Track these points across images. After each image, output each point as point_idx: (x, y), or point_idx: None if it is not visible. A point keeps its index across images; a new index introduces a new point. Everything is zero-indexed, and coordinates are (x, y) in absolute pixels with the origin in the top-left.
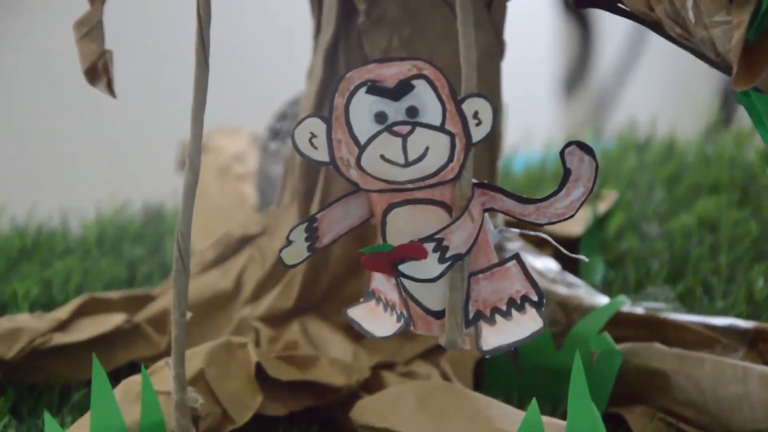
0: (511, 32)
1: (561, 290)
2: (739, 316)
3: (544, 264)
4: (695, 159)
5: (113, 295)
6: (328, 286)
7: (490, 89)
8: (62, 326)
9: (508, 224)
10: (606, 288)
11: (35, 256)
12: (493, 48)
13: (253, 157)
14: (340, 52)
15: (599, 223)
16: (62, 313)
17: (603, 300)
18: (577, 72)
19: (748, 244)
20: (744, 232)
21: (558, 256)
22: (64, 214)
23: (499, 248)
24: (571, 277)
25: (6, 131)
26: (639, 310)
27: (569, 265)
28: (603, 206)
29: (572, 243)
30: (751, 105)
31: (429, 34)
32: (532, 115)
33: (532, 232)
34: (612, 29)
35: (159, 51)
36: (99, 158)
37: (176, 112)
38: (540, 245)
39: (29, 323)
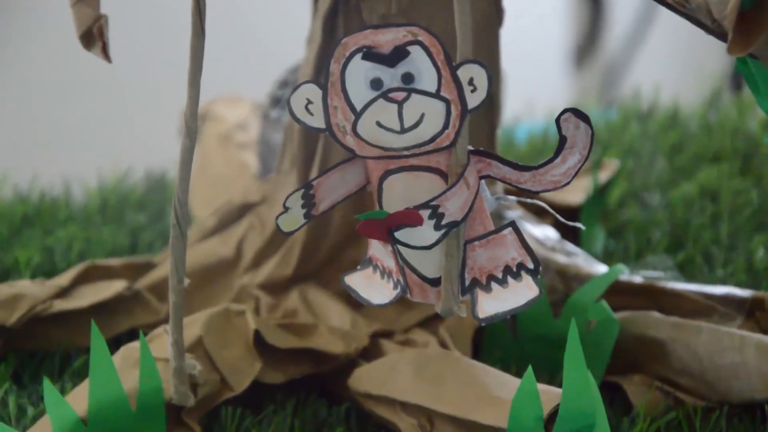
0: (522, 3)
1: (560, 259)
2: (738, 285)
3: (543, 232)
4: (698, 128)
5: (114, 262)
6: (328, 254)
7: (489, 57)
8: (63, 293)
9: (508, 193)
10: (606, 257)
11: (37, 224)
12: (491, 15)
13: (255, 125)
14: (339, 19)
15: (600, 192)
16: (63, 279)
17: (601, 268)
18: (587, 42)
19: (749, 214)
20: (745, 202)
21: (558, 225)
22: (66, 181)
23: (499, 216)
24: (570, 246)
25: (9, 99)
26: (637, 278)
27: (569, 234)
28: (604, 175)
29: (573, 212)
30: (749, 73)
31: (428, 1)
32: (541, 85)
33: (529, 200)
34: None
35: (163, 17)
36: (102, 126)
37: (179, 80)
38: (540, 214)
39: (30, 290)
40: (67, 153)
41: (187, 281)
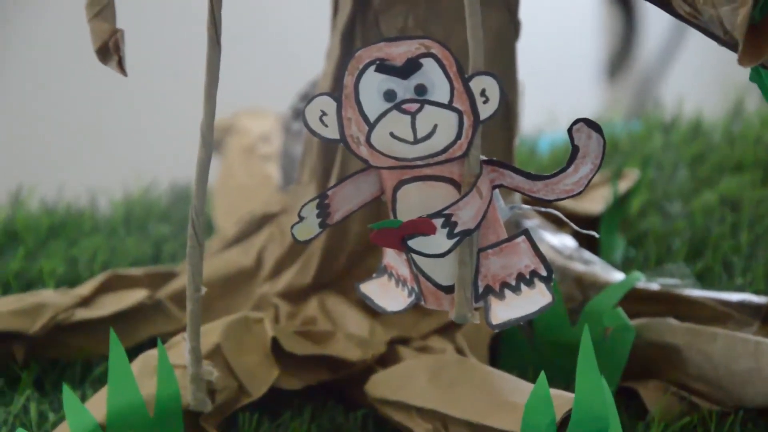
0: (554, 15)
1: (577, 267)
2: (757, 293)
3: (560, 241)
4: (721, 139)
5: (136, 271)
6: (346, 263)
7: (505, 69)
8: (85, 302)
9: (526, 203)
10: (626, 265)
11: (63, 235)
12: (507, 28)
13: (278, 137)
14: (357, 32)
15: (620, 201)
16: (85, 289)
17: (618, 276)
18: (620, 54)
19: None
20: (766, 211)
21: (577, 234)
22: (92, 193)
23: (516, 225)
24: (587, 254)
25: (36, 113)
26: (654, 286)
27: (589, 243)
28: (624, 185)
29: (592, 221)
30: (762, 83)
31: (444, 15)
32: (574, 97)
33: (544, 209)
34: (656, 11)
35: (194, 29)
36: (128, 139)
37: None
38: (559, 223)
39: (53, 299)
40: (93, 166)
41: (204, 290)
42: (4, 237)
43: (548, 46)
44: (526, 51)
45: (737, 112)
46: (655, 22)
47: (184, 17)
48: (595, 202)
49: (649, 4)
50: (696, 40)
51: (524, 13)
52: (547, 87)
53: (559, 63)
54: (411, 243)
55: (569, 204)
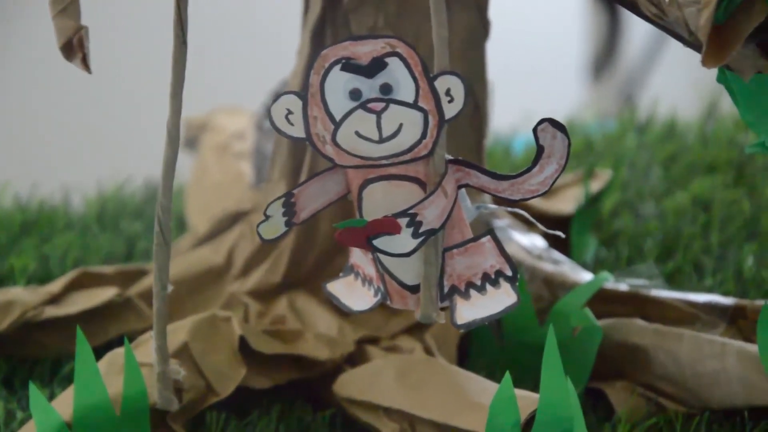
0: (539, 16)
1: (546, 267)
2: (726, 294)
3: (530, 241)
4: (695, 139)
5: (107, 269)
6: (316, 262)
7: (475, 69)
8: (54, 299)
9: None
10: (598, 266)
11: (35, 232)
12: (476, 28)
13: (252, 135)
14: (327, 31)
15: (592, 201)
16: (55, 286)
17: (587, 276)
18: (604, 55)
19: (741, 224)
20: (737, 212)
21: (547, 235)
22: (66, 190)
23: (487, 225)
24: (557, 254)
25: (10, 109)
26: (623, 286)
27: (561, 244)
28: (596, 185)
29: (564, 221)
30: (728, 84)
31: (415, 14)
32: (557, 97)
33: (510, 209)
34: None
35: (167, 29)
36: (103, 136)
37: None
38: (530, 223)
39: (21, 296)
40: (67, 163)
41: (170, 287)
42: None
43: (532, 46)
44: (509, 51)
45: (711, 113)
46: (640, 24)
47: (162, 16)
48: (567, 202)
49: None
50: (678, 42)
51: (508, 13)
52: (529, 87)
53: (542, 64)
54: (376, 242)
55: (540, 204)
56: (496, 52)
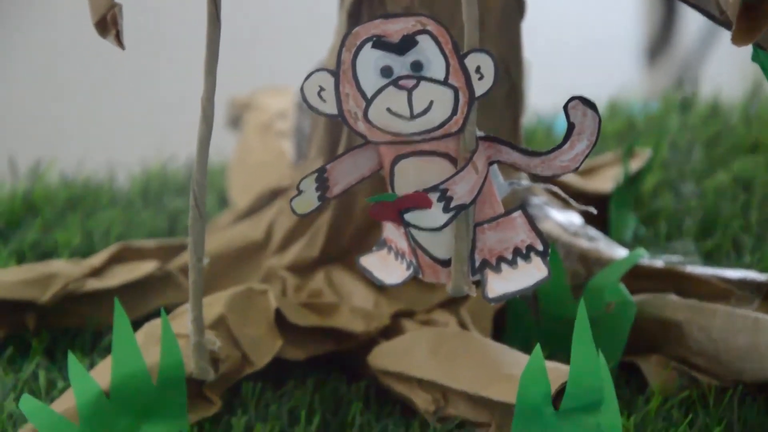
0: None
1: (582, 244)
2: (765, 271)
3: (567, 218)
4: (738, 120)
5: (148, 243)
6: (353, 237)
7: (511, 48)
8: (96, 272)
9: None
10: (637, 243)
11: (80, 208)
12: (512, 7)
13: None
14: (364, 11)
15: (631, 180)
16: (96, 260)
17: (622, 253)
18: (660, 39)
19: None
20: None
21: (585, 213)
22: (111, 168)
23: (520, 205)
24: (593, 231)
25: (57, 87)
26: (658, 263)
27: (600, 222)
28: (635, 164)
29: (602, 199)
30: (761, 63)
31: None
32: (611, 80)
33: (543, 185)
34: None
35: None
36: (148, 115)
37: (225, 71)
38: (565, 201)
39: (64, 269)
40: (113, 141)
41: (206, 260)
42: (23, 209)
43: (587, 27)
44: (563, 32)
45: (756, 93)
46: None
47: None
48: (606, 181)
49: None
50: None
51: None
52: (582, 69)
53: (597, 45)
54: (408, 216)
55: (579, 182)
56: (549, 32)
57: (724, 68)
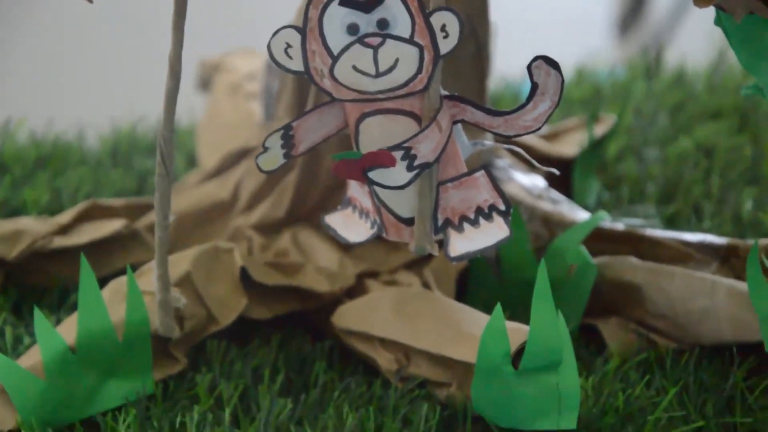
0: None
1: (545, 206)
2: (724, 235)
3: (531, 181)
4: (702, 88)
5: (116, 202)
6: (319, 198)
7: (477, 8)
8: (63, 230)
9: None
10: (599, 207)
11: (49, 167)
12: None
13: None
14: None
15: (595, 145)
16: (64, 217)
17: (585, 216)
18: (631, 14)
19: (742, 169)
20: (738, 158)
21: (549, 177)
22: (80, 127)
23: (483, 165)
24: (556, 194)
25: (27, 47)
26: (619, 226)
27: (563, 186)
28: (600, 129)
29: (567, 163)
30: (724, 26)
31: None
32: (584, 52)
33: (506, 146)
34: None
35: None
36: (118, 75)
37: (195, 32)
38: (530, 164)
39: (31, 226)
40: (83, 101)
41: (172, 218)
42: None
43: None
44: (538, 6)
45: (721, 62)
46: None
47: None
48: (570, 146)
49: None
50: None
51: None
52: (554, 38)
53: (568, 15)
54: (372, 175)
55: (543, 146)
56: (523, 4)
57: (691, 38)
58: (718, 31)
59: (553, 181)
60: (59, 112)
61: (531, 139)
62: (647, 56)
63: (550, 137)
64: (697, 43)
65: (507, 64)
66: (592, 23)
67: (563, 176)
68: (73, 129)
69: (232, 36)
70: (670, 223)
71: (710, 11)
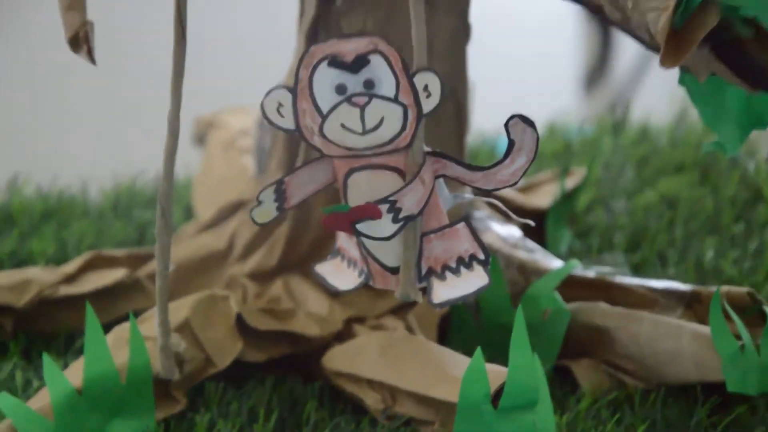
0: (536, 31)
1: (521, 255)
2: (687, 282)
3: (507, 231)
4: (666, 143)
5: (118, 252)
6: (309, 247)
7: (457, 69)
8: (69, 279)
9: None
10: (571, 256)
11: (54, 219)
12: (459, 32)
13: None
14: (321, 33)
15: (567, 197)
16: (70, 267)
17: (558, 264)
18: (597, 69)
19: (703, 220)
20: (700, 209)
21: (524, 226)
22: (84, 182)
23: (464, 217)
24: (530, 243)
25: (33, 105)
26: (590, 273)
27: (537, 236)
28: (571, 182)
29: (540, 214)
30: (688, 86)
31: (402, 17)
32: (554, 108)
33: (485, 199)
34: None
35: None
36: (118, 132)
37: (192, 90)
38: (506, 215)
39: (39, 275)
40: (85, 157)
41: (172, 267)
42: (1, 220)
43: (529, 56)
44: (500, 61)
45: (682, 118)
46: (631, 41)
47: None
48: (544, 197)
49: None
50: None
51: (508, 30)
52: (524, 95)
53: (538, 72)
54: (359, 227)
55: (519, 198)
56: (494, 60)
57: (654, 95)
58: (679, 90)
59: (527, 231)
60: (63, 168)
61: (507, 192)
62: (614, 113)
63: (525, 189)
64: (659, 100)
65: (484, 119)
66: (561, 81)
67: (537, 226)
68: (76, 183)
69: (225, 93)
70: (637, 270)
71: (671, 71)
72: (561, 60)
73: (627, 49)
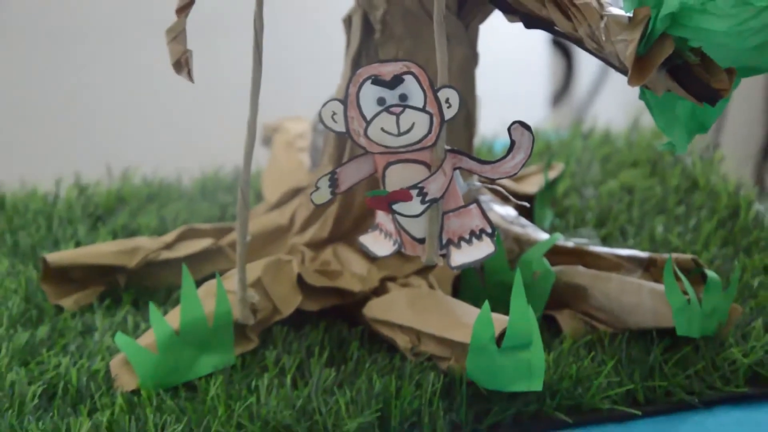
0: (513, 59)
1: (516, 229)
2: (642, 250)
3: (505, 211)
4: (623, 144)
5: (206, 226)
6: (353, 223)
7: (467, 87)
8: (168, 246)
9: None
10: (553, 230)
11: (156, 201)
12: (469, 58)
13: (310, 135)
14: (362, 59)
15: (549, 185)
16: (168, 237)
17: (544, 236)
18: (561, 89)
19: (654, 203)
20: (651, 195)
21: (518, 207)
22: (178, 172)
23: (474, 198)
24: (523, 221)
25: (139, 112)
26: (570, 243)
27: (526, 214)
28: (553, 173)
29: (529, 198)
30: (647, 101)
31: (425, 47)
32: (529, 120)
33: (491, 186)
34: (589, 58)
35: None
36: (207, 133)
37: (263, 102)
38: (504, 198)
39: (145, 243)
40: (181, 152)
41: (249, 237)
42: (115, 201)
43: (513, 82)
44: (492, 82)
45: (635, 125)
46: (588, 65)
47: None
48: (532, 185)
49: (584, 53)
50: (615, 75)
51: (491, 59)
52: (507, 108)
53: (516, 92)
54: (395, 207)
55: (513, 185)
56: (486, 81)
57: (613, 109)
58: (633, 104)
59: (521, 211)
60: (163, 162)
61: (505, 181)
62: (580, 123)
63: (518, 179)
64: (617, 112)
65: (480, 126)
66: (535, 99)
67: (527, 207)
68: (173, 173)
69: (288, 105)
70: (605, 241)
71: (627, 90)
72: (534, 83)
73: (584, 75)
